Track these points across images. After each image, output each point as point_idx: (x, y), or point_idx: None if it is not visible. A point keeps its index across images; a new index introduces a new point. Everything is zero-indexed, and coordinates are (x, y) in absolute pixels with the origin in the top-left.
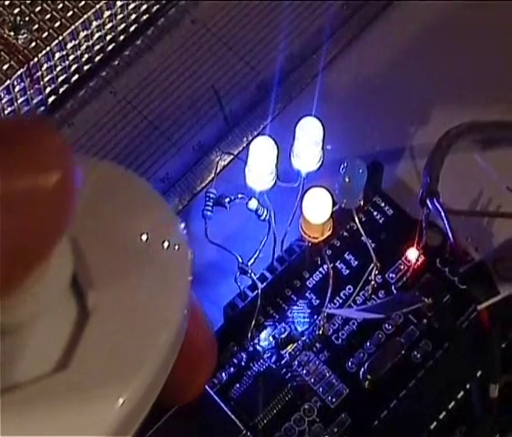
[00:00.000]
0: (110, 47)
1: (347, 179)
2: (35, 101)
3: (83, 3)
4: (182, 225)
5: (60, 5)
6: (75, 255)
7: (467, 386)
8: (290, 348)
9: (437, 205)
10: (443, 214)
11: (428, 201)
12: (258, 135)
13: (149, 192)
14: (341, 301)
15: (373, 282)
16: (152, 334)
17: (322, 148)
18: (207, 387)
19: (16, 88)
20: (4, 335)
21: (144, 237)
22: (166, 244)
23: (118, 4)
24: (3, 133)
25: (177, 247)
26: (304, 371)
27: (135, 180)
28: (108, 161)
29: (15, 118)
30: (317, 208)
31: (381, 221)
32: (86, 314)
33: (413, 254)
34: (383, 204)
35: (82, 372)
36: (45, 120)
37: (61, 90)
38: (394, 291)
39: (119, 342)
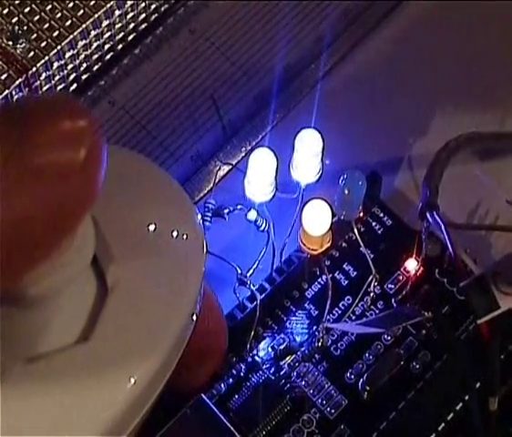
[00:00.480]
0: (109, 56)
1: (346, 191)
2: None
3: (81, 12)
4: (199, 216)
5: (58, 15)
6: (96, 232)
7: (466, 398)
8: (289, 359)
9: (437, 218)
10: (443, 227)
11: (428, 214)
12: (256, 145)
13: (167, 181)
14: (340, 312)
15: (372, 293)
16: (163, 321)
17: (322, 160)
18: (205, 398)
19: (15, 98)
20: (30, 308)
21: (156, 226)
22: (176, 234)
23: (117, 13)
24: (36, 109)
25: (186, 236)
26: (303, 383)
27: (154, 169)
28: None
29: (44, 96)
30: (316, 220)
31: (380, 232)
32: (104, 291)
33: (411, 265)
34: (381, 214)
35: (100, 347)
36: (74, 98)
37: None
38: (393, 302)
39: (133, 323)
